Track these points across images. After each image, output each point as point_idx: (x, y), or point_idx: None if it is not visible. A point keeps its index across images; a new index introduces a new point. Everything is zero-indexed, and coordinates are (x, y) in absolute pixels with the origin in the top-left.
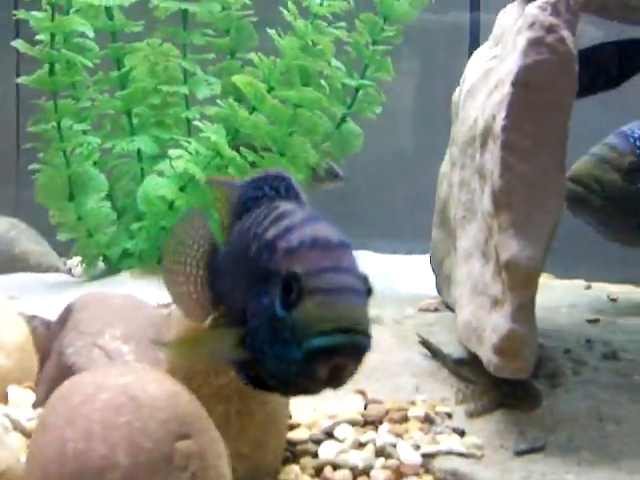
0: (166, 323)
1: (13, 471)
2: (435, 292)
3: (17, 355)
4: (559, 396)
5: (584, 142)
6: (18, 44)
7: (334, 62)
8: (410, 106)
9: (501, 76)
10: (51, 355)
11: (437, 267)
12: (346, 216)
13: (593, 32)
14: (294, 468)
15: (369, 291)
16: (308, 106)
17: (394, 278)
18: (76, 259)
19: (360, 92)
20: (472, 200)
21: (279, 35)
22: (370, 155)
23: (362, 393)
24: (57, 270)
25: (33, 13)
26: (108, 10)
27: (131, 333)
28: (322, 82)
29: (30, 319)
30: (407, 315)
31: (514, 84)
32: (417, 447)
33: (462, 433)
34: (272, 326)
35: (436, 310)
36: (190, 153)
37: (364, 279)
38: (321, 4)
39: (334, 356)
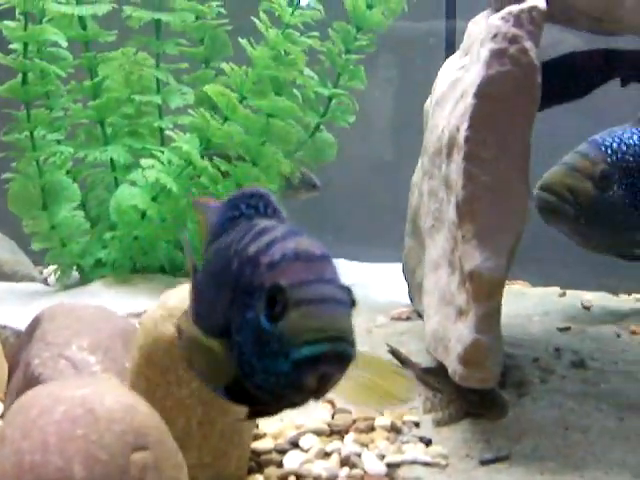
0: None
1: None
2: (408, 300)
3: None
4: (526, 405)
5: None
6: None
7: (307, 71)
8: (387, 113)
9: (465, 87)
10: (19, 366)
11: (409, 275)
12: (320, 223)
13: (572, 40)
14: (258, 478)
15: (352, 302)
16: (281, 115)
17: (368, 286)
18: (52, 268)
19: (333, 101)
20: (440, 210)
21: (251, 45)
22: (345, 162)
23: (331, 403)
24: (32, 279)
25: (6, 22)
26: (81, 19)
27: (98, 344)
28: (295, 91)
29: (1, 329)
30: (379, 324)
31: (476, 95)
32: (382, 457)
33: (428, 442)
34: (258, 339)
35: (408, 319)
36: (162, 163)
37: (347, 290)
38: (292, 14)
39: (321, 365)
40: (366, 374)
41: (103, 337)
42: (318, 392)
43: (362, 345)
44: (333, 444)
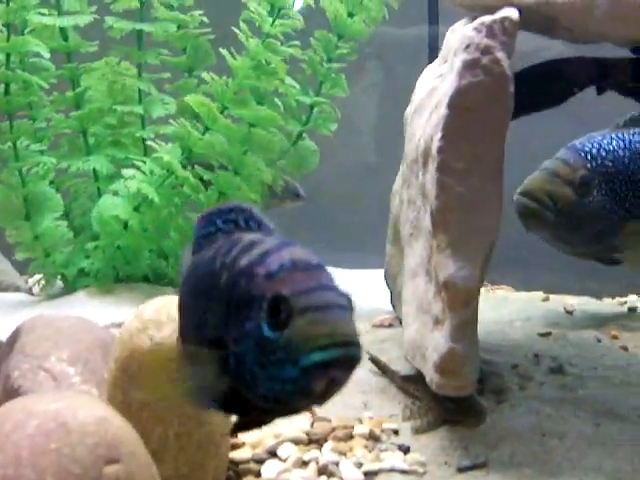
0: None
1: None
2: (390, 307)
3: None
4: (504, 412)
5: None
6: None
7: (288, 80)
8: (372, 119)
9: (440, 97)
10: None
11: (391, 282)
12: (305, 229)
13: (558, 46)
14: None
15: (352, 308)
16: (263, 124)
17: (351, 293)
18: (37, 278)
19: (315, 109)
20: (418, 218)
21: (232, 55)
22: (329, 168)
23: (311, 411)
24: (17, 289)
25: None
26: (63, 30)
27: (78, 355)
28: (276, 100)
29: None
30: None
31: (449, 106)
32: (359, 465)
33: (407, 450)
34: (261, 349)
35: (390, 326)
36: (144, 173)
37: (347, 296)
38: (272, 24)
39: (331, 370)
40: None
41: (83, 348)
42: (324, 397)
43: None
44: (311, 453)
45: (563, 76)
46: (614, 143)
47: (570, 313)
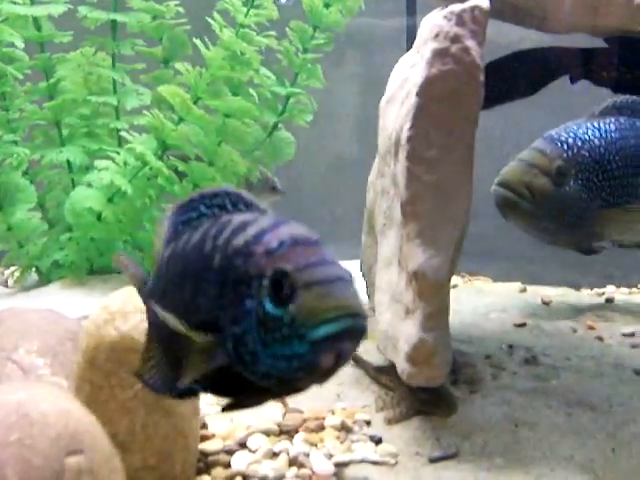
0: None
1: None
2: (366, 297)
3: None
4: (476, 402)
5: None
6: None
7: (263, 70)
8: (351, 110)
9: (411, 86)
10: None
11: (366, 273)
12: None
13: (535, 37)
14: (205, 479)
15: (353, 282)
16: (237, 115)
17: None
18: (12, 269)
19: (291, 100)
20: (391, 208)
21: (206, 45)
22: (309, 158)
23: (283, 402)
24: None
25: None
26: (36, 20)
27: (48, 347)
28: (251, 91)
29: None
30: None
31: (419, 95)
32: (330, 456)
33: (379, 441)
34: (264, 326)
35: None
36: (117, 164)
37: (348, 271)
38: (246, 14)
39: (340, 342)
40: None
41: (53, 340)
42: (330, 372)
43: None
44: (281, 444)
45: (536, 66)
46: (590, 132)
47: (547, 304)
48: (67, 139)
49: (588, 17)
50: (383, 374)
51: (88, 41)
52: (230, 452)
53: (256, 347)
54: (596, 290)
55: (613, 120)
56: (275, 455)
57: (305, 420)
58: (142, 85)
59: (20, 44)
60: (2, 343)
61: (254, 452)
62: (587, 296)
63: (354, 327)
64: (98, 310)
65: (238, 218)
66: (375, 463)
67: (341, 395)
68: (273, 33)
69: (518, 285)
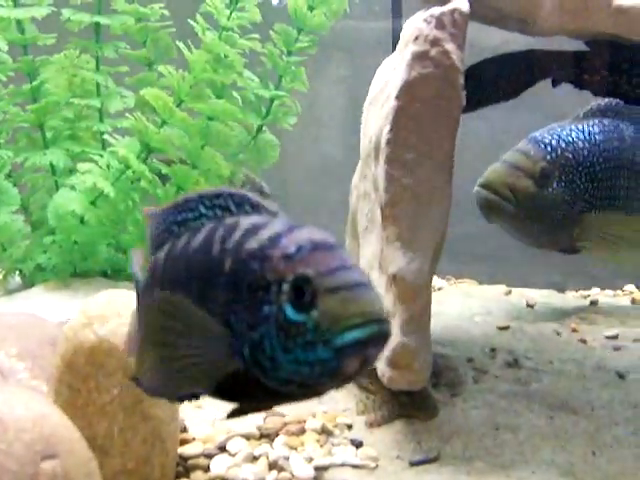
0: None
1: None
2: None
3: None
4: (457, 405)
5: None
6: None
7: (246, 73)
8: (337, 112)
9: (391, 89)
10: None
11: None
12: None
13: (522, 39)
14: None
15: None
16: (221, 118)
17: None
18: None
19: (275, 102)
20: (372, 211)
21: (189, 48)
22: (296, 161)
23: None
24: None
25: None
26: (19, 23)
27: (27, 351)
28: (235, 94)
29: None
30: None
31: (398, 98)
32: (310, 460)
33: (359, 444)
34: (285, 332)
35: None
36: (100, 167)
37: (367, 276)
38: (229, 17)
39: (366, 347)
40: None
41: (32, 344)
42: (354, 375)
43: None
44: (261, 448)
45: (518, 69)
46: (574, 135)
47: (532, 307)
48: (50, 142)
49: (569, 21)
50: (364, 377)
51: (72, 44)
52: (210, 456)
53: (276, 352)
54: (581, 292)
55: (597, 122)
56: (255, 459)
57: (286, 424)
58: (126, 88)
59: (3, 46)
60: None
61: (234, 456)
62: (572, 298)
63: (380, 333)
64: (76, 314)
65: (247, 220)
66: (355, 467)
67: (323, 399)
68: (257, 36)
69: (503, 288)
